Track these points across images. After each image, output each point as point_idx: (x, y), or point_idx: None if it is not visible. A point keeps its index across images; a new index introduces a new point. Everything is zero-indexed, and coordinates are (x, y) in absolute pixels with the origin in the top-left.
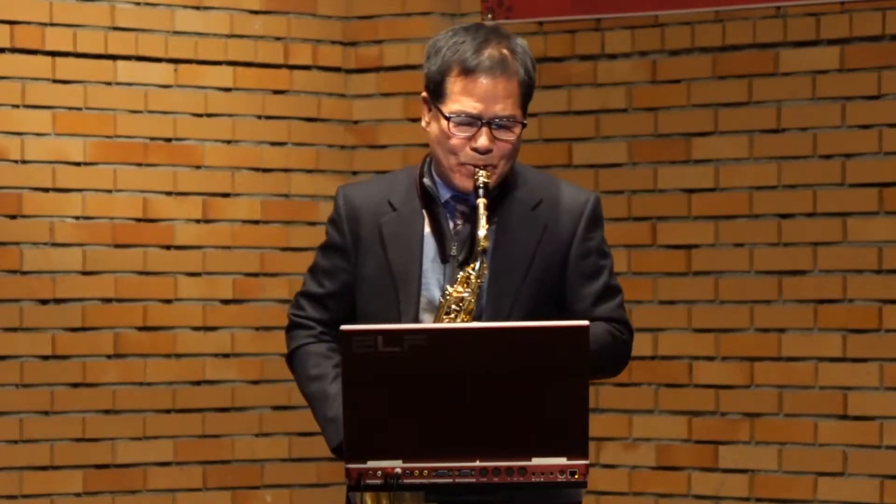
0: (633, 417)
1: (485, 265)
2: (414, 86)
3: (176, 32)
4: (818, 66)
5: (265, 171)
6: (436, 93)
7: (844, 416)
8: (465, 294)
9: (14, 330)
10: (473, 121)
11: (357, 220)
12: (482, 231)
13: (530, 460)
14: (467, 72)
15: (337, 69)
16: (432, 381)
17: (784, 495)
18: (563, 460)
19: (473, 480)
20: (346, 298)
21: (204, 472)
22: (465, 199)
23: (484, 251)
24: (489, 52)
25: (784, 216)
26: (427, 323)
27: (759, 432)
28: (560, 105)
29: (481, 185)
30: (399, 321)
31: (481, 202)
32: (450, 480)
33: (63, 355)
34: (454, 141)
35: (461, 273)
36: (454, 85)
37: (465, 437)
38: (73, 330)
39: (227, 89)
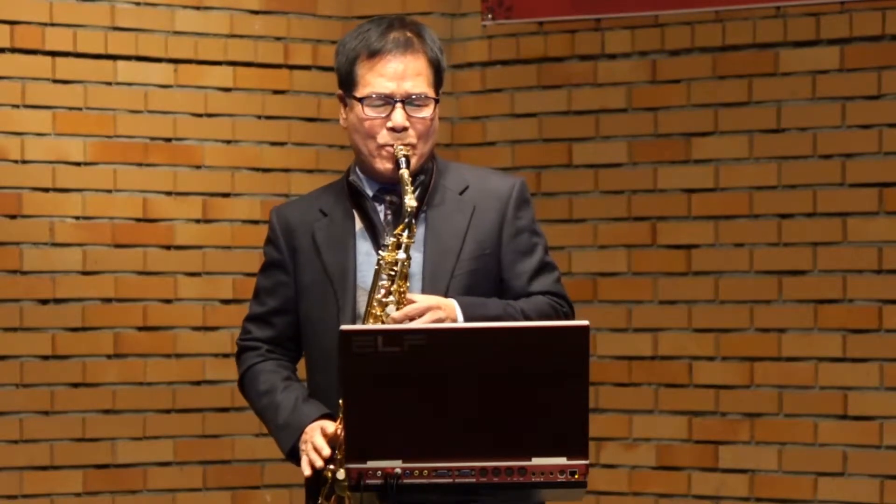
0: (633, 417)
1: (414, 227)
2: None
3: (176, 32)
4: (818, 66)
5: (265, 171)
6: (347, 83)
7: (844, 416)
8: (400, 255)
9: (14, 330)
10: (386, 100)
11: (291, 233)
12: (407, 197)
13: (530, 460)
14: (374, 54)
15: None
16: (432, 381)
17: (784, 495)
18: (563, 460)
19: (473, 480)
20: (290, 313)
21: (204, 472)
22: (391, 190)
23: (411, 213)
24: (394, 35)
25: (784, 216)
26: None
27: (759, 432)
28: (560, 105)
29: (402, 157)
30: (337, 318)
31: (404, 171)
32: (450, 480)
33: (63, 355)
34: (370, 123)
35: (391, 238)
36: (363, 69)
37: (465, 437)
38: (73, 330)
39: (227, 89)
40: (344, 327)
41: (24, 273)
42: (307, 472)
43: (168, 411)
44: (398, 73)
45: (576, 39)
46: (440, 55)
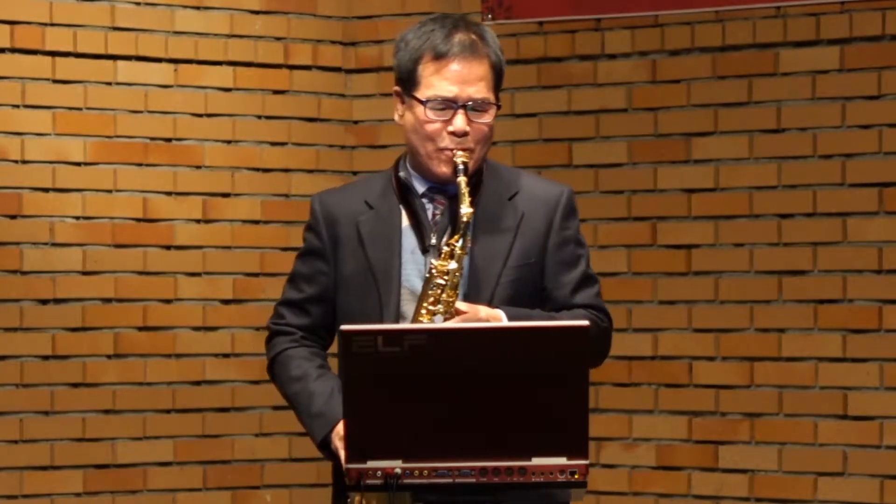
0: (633, 417)
1: (468, 238)
2: None
3: (176, 32)
4: (818, 66)
5: (265, 171)
6: (408, 82)
7: (844, 416)
8: (452, 266)
9: (14, 330)
10: (449, 104)
11: (334, 222)
12: (465, 207)
13: (530, 460)
14: (439, 56)
15: (337, 69)
16: (432, 381)
17: (784, 495)
18: (563, 460)
19: (473, 480)
20: (327, 302)
21: (204, 472)
22: (441, 190)
23: (467, 224)
24: (459, 37)
25: (784, 216)
26: (409, 310)
27: (759, 432)
28: (560, 105)
29: (460, 165)
30: (381, 316)
31: (462, 180)
32: (450, 480)
33: (63, 355)
34: (431, 126)
35: (445, 248)
36: (427, 70)
37: (465, 436)
38: (73, 330)
39: (227, 89)
40: (344, 327)
41: (24, 273)
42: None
43: (168, 411)
44: (462, 77)
45: (576, 39)
46: (502, 58)
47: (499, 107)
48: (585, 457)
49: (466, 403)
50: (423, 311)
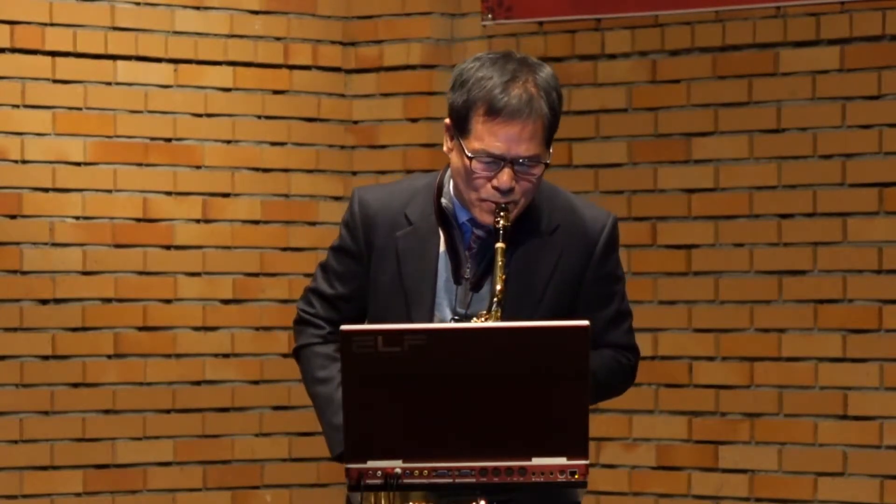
0: (633, 417)
1: (499, 313)
2: (414, 86)
3: (176, 32)
4: (818, 66)
5: (265, 171)
6: (460, 127)
7: (844, 416)
8: None
9: (14, 330)
10: (496, 161)
11: (372, 227)
12: (500, 284)
13: (530, 460)
14: (493, 112)
15: (337, 69)
16: (432, 381)
17: (784, 495)
18: (563, 460)
19: (473, 480)
20: (357, 302)
21: (204, 472)
22: (482, 226)
23: (499, 302)
24: (516, 92)
25: (784, 216)
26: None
27: (759, 432)
28: None
29: (501, 229)
30: None
31: (500, 247)
32: (450, 480)
33: (63, 355)
34: (476, 179)
35: (476, 319)
36: (479, 123)
37: (465, 437)
38: (73, 330)
39: (227, 89)
40: (344, 327)
41: (24, 273)
42: None
43: (168, 411)
44: (513, 136)
45: (576, 39)
46: (557, 107)
47: (547, 164)
48: (585, 457)
49: (466, 403)
50: None
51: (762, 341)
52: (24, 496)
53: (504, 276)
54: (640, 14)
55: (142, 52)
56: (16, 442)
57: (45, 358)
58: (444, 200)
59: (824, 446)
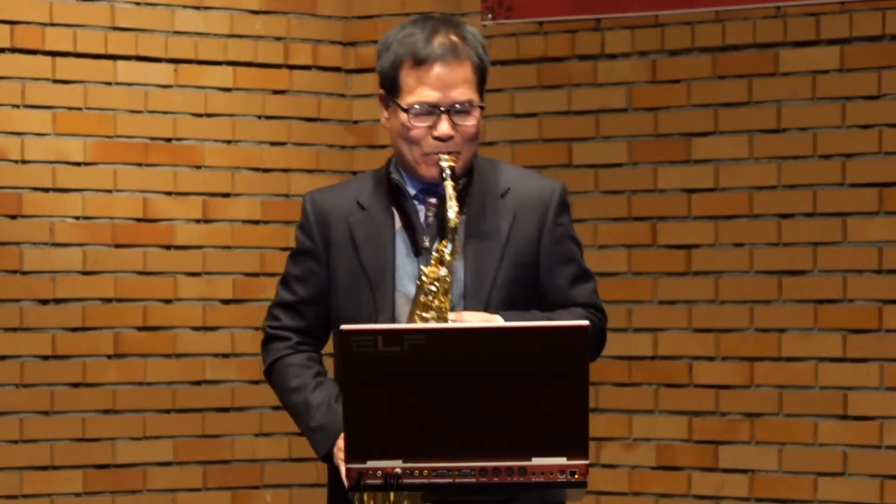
0: (633, 417)
1: (457, 243)
2: None
3: (176, 32)
4: (818, 66)
5: (265, 171)
6: (391, 88)
7: (844, 416)
8: (442, 272)
9: (14, 330)
10: (432, 109)
11: (327, 224)
12: (452, 212)
13: (530, 460)
14: (420, 62)
15: (337, 69)
16: (432, 381)
17: (784, 495)
18: (563, 460)
19: (473, 480)
20: (320, 303)
21: (204, 472)
22: (433, 192)
23: (455, 229)
24: (439, 41)
25: (784, 216)
26: (403, 315)
27: (759, 432)
28: (560, 105)
29: (447, 169)
30: (376, 319)
31: (448, 184)
32: (450, 480)
33: (63, 355)
34: (415, 132)
35: (434, 253)
36: (408, 77)
37: (465, 437)
38: (73, 330)
39: (227, 89)
40: (344, 327)
41: (24, 273)
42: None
43: (168, 411)
44: (444, 81)
45: (576, 39)
46: (484, 56)
47: (483, 108)
48: (585, 457)
49: (466, 403)
50: (416, 319)
51: (762, 341)
52: (24, 496)
53: (457, 209)
54: (640, 14)
55: (142, 52)
56: (16, 442)
57: (45, 358)
58: (393, 175)
59: (824, 446)
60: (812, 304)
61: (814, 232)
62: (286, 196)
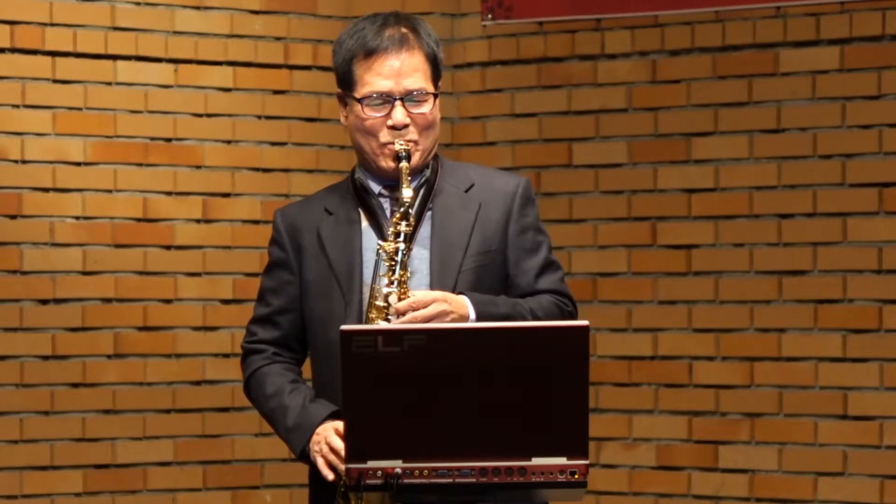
0: (633, 417)
1: (412, 216)
2: None
3: (176, 32)
4: (818, 66)
5: (265, 171)
6: (346, 83)
7: (844, 416)
8: (400, 245)
9: (14, 330)
10: (386, 98)
11: (296, 232)
12: (406, 189)
13: (530, 460)
14: (370, 53)
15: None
16: (432, 381)
17: (784, 495)
18: (563, 460)
19: (473, 480)
20: (295, 312)
21: (204, 472)
22: (396, 187)
23: (410, 203)
24: (389, 32)
25: (784, 216)
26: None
27: (759, 432)
28: (560, 105)
29: (402, 152)
30: (344, 316)
31: (404, 165)
32: (450, 480)
33: (63, 355)
34: (370, 122)
35: (390, 228)
36: (360, 69)
37: (465, 437)
38: (73, 330)
39: (227, 89)
40: (344, 327)
41: (24, 273)
42: (329, 476)
43: (168, 411)
44: (395, 70)
45: (576, 39)
46: (437, 48)
47: (436, 96)
48: (585, 457)
49: (466, 403)
50: (377, 294)
51: (762, 341)
52: (24, 496)
53: (412, 188)
54: (640, 14)
55: (142, 52)
56: (16, 442)
57: (45, 358)
58: (357, 175)
59: (824, 446)
60: (812, 304)
61: (814, 232)
62: (286, 196)
